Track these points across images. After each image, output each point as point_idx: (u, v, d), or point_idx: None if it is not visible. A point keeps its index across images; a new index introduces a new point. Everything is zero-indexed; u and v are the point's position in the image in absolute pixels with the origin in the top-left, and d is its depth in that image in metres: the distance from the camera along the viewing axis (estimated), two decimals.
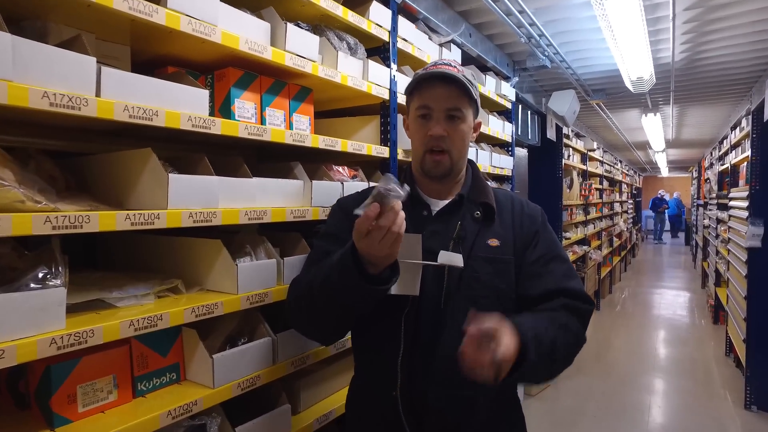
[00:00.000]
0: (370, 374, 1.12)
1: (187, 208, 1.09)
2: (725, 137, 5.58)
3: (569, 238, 5.08)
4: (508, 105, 3.15)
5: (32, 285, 0.87)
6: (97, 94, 0.92)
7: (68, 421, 0.96)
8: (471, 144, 2.83)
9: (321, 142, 1.47)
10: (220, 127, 1.16)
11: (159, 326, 1.02)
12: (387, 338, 1.04)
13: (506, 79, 3.24)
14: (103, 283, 1.09)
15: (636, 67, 3.14)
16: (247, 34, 1.25)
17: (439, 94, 1.05)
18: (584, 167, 6.21)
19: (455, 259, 1.01)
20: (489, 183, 1.17)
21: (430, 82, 1.06)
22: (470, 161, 1.20)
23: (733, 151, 4.79)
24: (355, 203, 1.12)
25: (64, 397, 0.96)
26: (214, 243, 1.24)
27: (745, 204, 3.86)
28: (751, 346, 3.56)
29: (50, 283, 0.88)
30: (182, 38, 1.15)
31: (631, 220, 11.62)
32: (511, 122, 3.18)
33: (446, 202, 1.12)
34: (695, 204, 10.24)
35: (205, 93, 1.14)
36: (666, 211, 14.93)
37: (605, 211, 7.64)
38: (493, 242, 1.08)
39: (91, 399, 0.99)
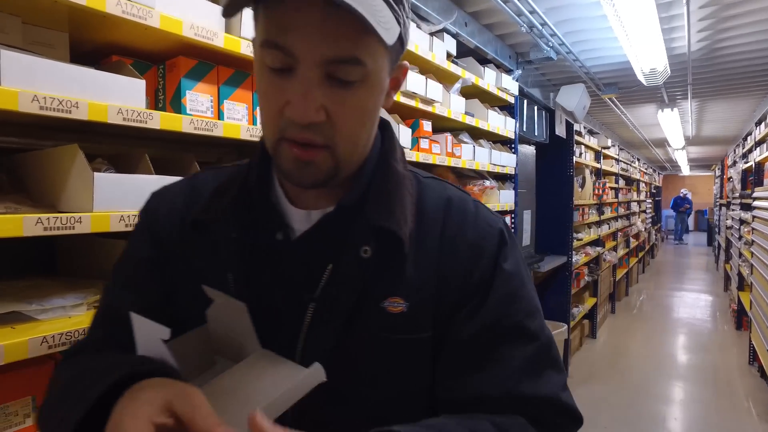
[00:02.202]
0: None
1: (117, 210, 0.98)
2: (749, 133, 5.30)
3: (581, 239, 4.87)
4: (511, 99, 2.99)
5: None
6: None
7: None
8: (467, 140, 2.69)
9: None
10: (158, 121, 1.05)
11: None
12: None
13: (508, 72, 3.08)
14: (25, 294, 0.98)
15: (648, 59, 2.94)
16: (194, 18, 1.14)
17: (310, 27, 0.48)
18: (598, 165, 5.98)
19: (305, 379, 0.50)
20: (414, 172, 0.66)
21: None
22: (381, 124, 0.63)
23: (758, 148, 4.52)
24: (176, 197, 0.66)
25: None
26: None
27: None
28: None
29: None
30: (120, 24, 1.04)
31: (650, 220, 11.25)
32: (513, 118, 3.02)
33: (322, 214, 0.61)
34: (717, 204, 9.85)
35: (140, 83, 1.03)
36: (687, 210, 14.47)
37: (621, 210, 7.36)
38: (396, 305, 0.58)
39: (1, 425, 0.88)
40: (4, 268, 1.25)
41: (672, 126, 5.87)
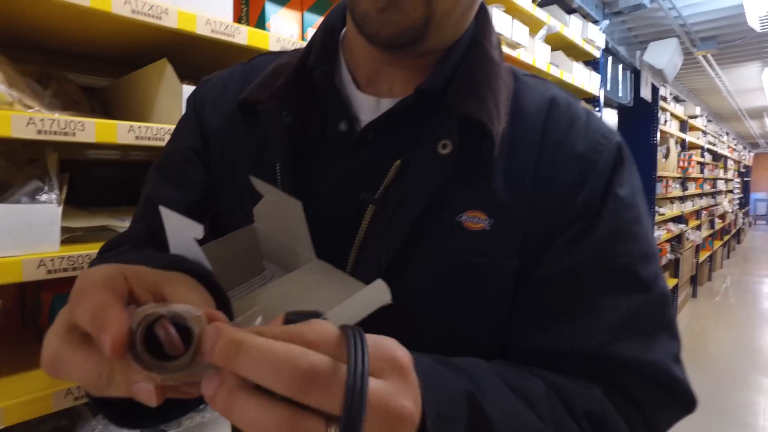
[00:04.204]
0: None
1: None
2: None
3: (663, 215, 4.48)
4: (596, 53, 2.73)
5: (24, 200, 0.76)
6: None
7: None
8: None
9: None
10: (246, 36, 0.99)
11: None
12: None
13: (594, 22, 2.81)
14: (117, 215, 0.98)
15: None
16: None
17: None
18: (684, 136, 5.46)
19: (366, 298, 0.39)
20: (512, 66, 0.53)
21: None
22: (480, 10, 0.51)
23: None
24: (227, 83, 0.57)
25: None
26: None
27: None
28: None
29: (42, 198, 0.76)
30: None
31: (738, 202, 10.26)
32: (598, 73, 2.76)
33: (394, 102, 0.48)
34: None
35: None
36: None
37: (707, 188, 6.73)
38: (476, 221, 0.46)
39: None
40: (96, 200, 1.27)
41: None
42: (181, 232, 0.41)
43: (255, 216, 0.49)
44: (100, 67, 1.25)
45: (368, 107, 0.49)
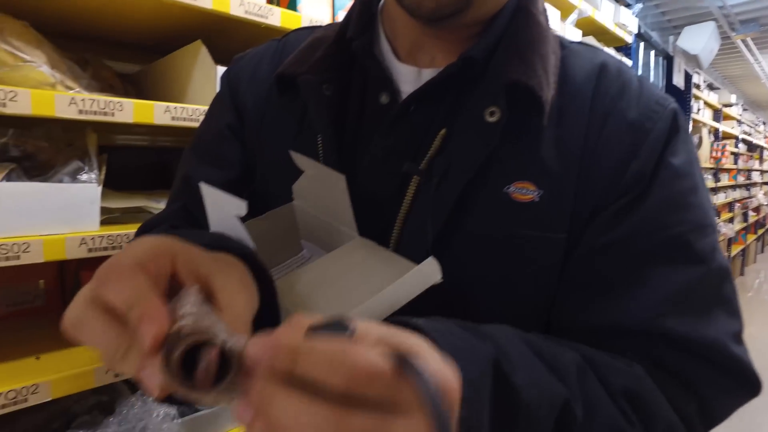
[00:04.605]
0: None
1: None
2: None
3: None
4: (629, 39, 2.64)
5: (66, 180, 0.77)
6: None
7: None
8: None
9: None
10: (279, 17, 0.99)
11: None
12: None
13: (627, 6, 2.72)
14: (153, 197, 0.99)
15: None
16: None
17: None
18: (717, 125, 5.27)
19: (415, 277, 0.38)
20: (555, 35, 0.50)
21: None
22: None
23: None
24: (262, 58, 0.56)
25: None
26: None
27: None
28: None
29: (83, 177, 0.78)
30: None
31: None
32: (630, 59, 2.68)
33: (436, 72, 0.47)
34: None
35: None
36: None
37: (740, 179, 6.49)
38: (525, 192, 0.44)
39: None
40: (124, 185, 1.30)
41: None
42: (222, 209, 0.39)
43: (294, 193, 0.48)
44: (133, 54, 1.26)
45: (409, 78, 0.48)
